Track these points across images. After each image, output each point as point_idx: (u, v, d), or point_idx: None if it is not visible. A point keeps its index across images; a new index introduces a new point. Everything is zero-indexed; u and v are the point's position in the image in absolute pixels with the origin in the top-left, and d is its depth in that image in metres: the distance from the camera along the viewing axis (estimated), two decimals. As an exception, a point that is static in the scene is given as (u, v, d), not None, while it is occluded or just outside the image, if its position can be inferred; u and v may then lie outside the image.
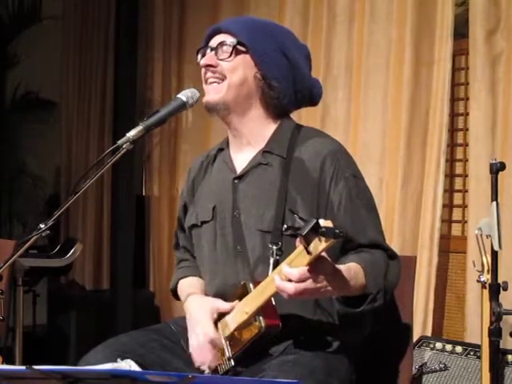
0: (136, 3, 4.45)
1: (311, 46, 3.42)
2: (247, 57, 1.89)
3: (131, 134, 1.74)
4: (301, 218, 1.56)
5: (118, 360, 1.69)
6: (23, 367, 1.28)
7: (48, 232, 1.67)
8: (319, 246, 1.48)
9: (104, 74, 4.99)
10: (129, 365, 1.67)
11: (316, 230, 1.46)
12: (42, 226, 1.67)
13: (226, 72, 1.88)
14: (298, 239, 1.53)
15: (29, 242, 1.67)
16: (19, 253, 1.68)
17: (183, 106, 1.83)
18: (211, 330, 1.82)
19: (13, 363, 3.19)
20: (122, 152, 1.72)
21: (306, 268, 1.53)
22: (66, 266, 3.92)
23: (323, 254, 1.52)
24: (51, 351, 4.49)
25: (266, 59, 1.89)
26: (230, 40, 1.89)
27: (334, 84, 3.32)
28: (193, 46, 4.12)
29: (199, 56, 1.96)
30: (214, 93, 1.89)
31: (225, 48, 1.89)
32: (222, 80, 1.89)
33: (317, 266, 1.54)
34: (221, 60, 1.88)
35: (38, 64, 5.20)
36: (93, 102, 5.08)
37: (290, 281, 1.56)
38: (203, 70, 1.92)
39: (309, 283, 1.55)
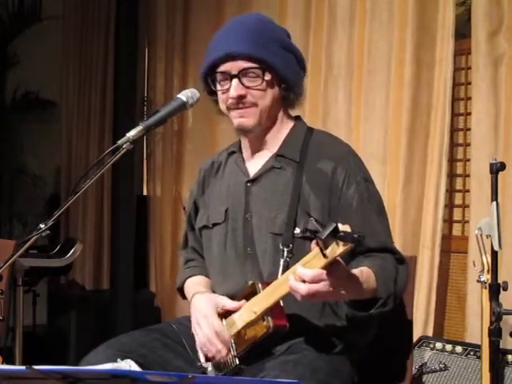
0: (136, 3, 4.45)
1: (312, 46, 3.43)
2: (273, 76, 1.87)
3: (131, 134, 1.74)
4: (317, 221, 1.56)
5: (118, 360, 1.69)
6: (23, 367, 1.28)
7: (48, 232, 1.67)
8: (337, 250, 1.49)
9: (104, 73, 4.99)
10: (129, 365, 1.67)
11: (334, 234, 1.47)
12: (42, 225, 1.67)
13: (257, 99, 1.86)
14: (313, 242, 1.54)
15: (29, 242, 1.67)
16: (19, 253, 1.68)
17: (183, 105, 1.83)
18: (216, 322, 1.82)
19: (13, 363, 3.19)
20: (122, 152, 1.72)
21: (321, 270, 1.54)
22: (66, 266, 3.91)
23: (338, 258, 1.53)
24: (51, 351, 4.49)
25: (287, 70, 1.88)
26: (253, 65, 1.84)
27: (335, 84, 3.32)
28: (196, 46, 4.12)
29: (210, 83, 1.90)
30: (249, 117, 1.87)
31: (250, 77, 1.84)
32: (253, 106, 1.87)
33: (331, 270, 1.55)
34: (248, 88, 1.85)
35: (38, 64, 5.20)
36: (93, 101, 5.08)
37: (303, 281, 1.56)
38: (231, 100, 1.87)
39: (322, 286, 1.55)
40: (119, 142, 1.73)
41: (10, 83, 5.49)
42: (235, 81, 1.85)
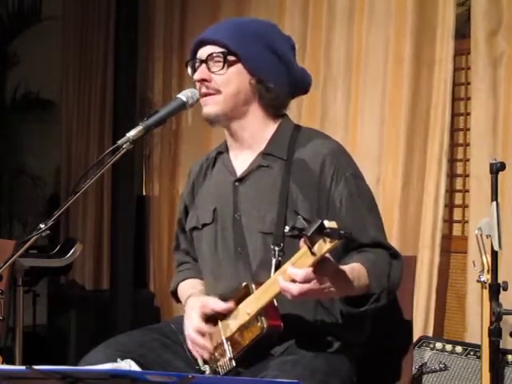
0: (136, 3, 4.45)
1: (311, 45, 3.42)
2: (239, 66, 1.88)
3: (131, 134, 1.74)
4: (304, 219, 1.56)
5: (118, 360, 1.69)
6: (23, 367, 1.28)
7: (48, 232, 1.67)
8: (324, 246, 1.49)
9: (104, 73, 4.99)
10: (129, 365, 1.67)
11: (321, 231, 1.47)
12: (42, 225, 1.67)
13: (220, 86, 1.87)
14: (302, 240, 1.53)
15: (29, 242, 1.67)
16: (19, 253, 1.68)
17: (183, 105, 1.83)
18: (196, 320, 1.83)
19: (13, 363, 3.19)
20: (122, 152, 1.72)
21: (310, 269, 1.54)
22: (66, 266, 3.91)
23: (327, 254, 1.53)
24: (51, 351, 4.49)
25: (258, 63, 1.88)
26: (218, 51, 1.87)
27: (334, 84, 3.32)
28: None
29: (189, 69, 1.94)
30: (212, 105, 1.88)
31: (215, 60, 1.87)
32: (217, 93, 1.88)
33: (321, 267, 1.54)
34: (213, 73, 1.87)
35: (38, 64, 5.20)
36: (93, 101, 5.08)
37: (293, 281, 1.56)
38: (198, 84, 1.90)
39: (312, 284, 1.56)
40: (119, 142, 1.73)
41: (10, 83, 5.50)
42: (202, 65, 1.89)
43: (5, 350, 3.25)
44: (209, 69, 1.87)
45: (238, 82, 1.87)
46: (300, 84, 1.98)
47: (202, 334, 1.83)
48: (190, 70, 1.95)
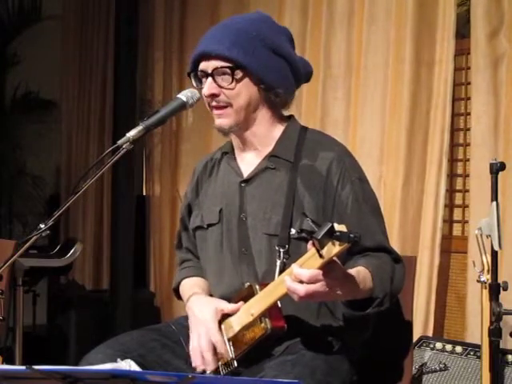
0: (136, 3, 4.45)
1: (311, 45, 3.42)
2: (247, 79, 1.86)
3: (131, 134, 1.74)
4: (313, 221, 1.56)
5: (118, 360, 1.69)
6: (23, 367, 1.28)
7: (48, 232, 1.67)
8: (333, 250, 1.49)
9: (104, 73, 4.99)
10: (129, 365, 1.67)
11: (330, 234, 1.47)
12: (42, 226, 1.67)
13: (230, 99, 1.86)
14: (309, 242, 1.53)
15: (29, 242, 1.67)
16: (19, 253, 1.68)
17: (183, 106, 1.83)
18: (215, 332, 1.81)
19: (13, 363, 3.19)
20: (121, 152, 1.72)
21: (317, 270, 1.54)
22: (66, 266, 3.91)
23: (335, 258, 1.53)
24: (51, 351, 4.49)
25: (264, 70, 1.86)
26: (225, 65, 1.84)
27: (334, 84, 3.32)
28: (194, 46, 4.11)
29: (193, 81, 1.92)
30: (225, 118, 1.88)
31: (224, 76, 1.85)
32: (228, 106, 1.87)
33: (328, 270, 1.55)
34: (221, 87, 1.86)
35: (38, 64, 5.20)
36: (93, 102, 5.08)
37: (300, 282, 1.56)
38: (206, 98, 1.89)
39: (319, 286, 1.55)
40: (119, 141, 1.73)
41: (10, 83, 5.49)
42: (209, 79, 1.87)
43: (5, 350, 3.24)
44: (218, 84, 1.86)
45: (247, 93, 1.87)
46: (302, 75, 1.99)
47: (215, 348, 1.81)
48: (194, 82, 1.92)
